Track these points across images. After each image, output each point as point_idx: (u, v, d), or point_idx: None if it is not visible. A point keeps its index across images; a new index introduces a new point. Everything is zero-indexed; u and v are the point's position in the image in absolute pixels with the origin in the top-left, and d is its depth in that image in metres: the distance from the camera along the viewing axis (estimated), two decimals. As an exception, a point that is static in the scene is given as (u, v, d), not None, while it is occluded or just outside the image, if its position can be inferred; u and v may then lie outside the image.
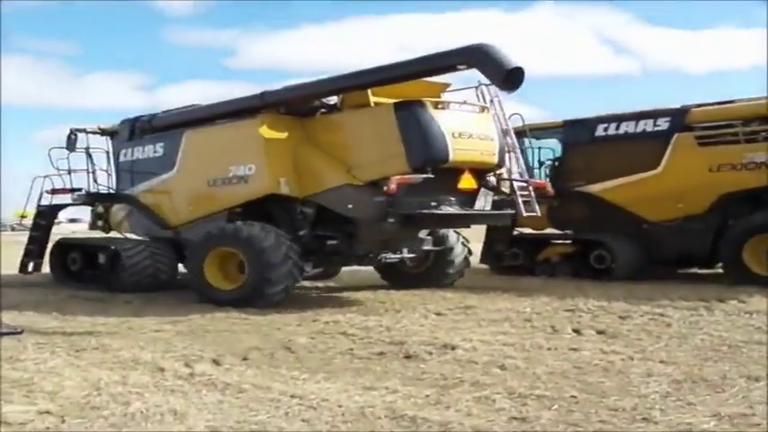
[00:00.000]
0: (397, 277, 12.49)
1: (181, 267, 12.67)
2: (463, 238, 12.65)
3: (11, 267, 14.05)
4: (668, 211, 13.03)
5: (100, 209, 14.15)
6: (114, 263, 12.40)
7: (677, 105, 13.59)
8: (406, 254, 11.54)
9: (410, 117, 9.75)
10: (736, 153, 12.67)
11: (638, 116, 13.74)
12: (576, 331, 8.25)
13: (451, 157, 9.80)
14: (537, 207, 10.64)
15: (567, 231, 14.86)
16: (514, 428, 4.71)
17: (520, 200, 10.44)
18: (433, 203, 9.89)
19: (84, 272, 13.49)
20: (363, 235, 10.73)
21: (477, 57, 9.08)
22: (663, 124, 13.42)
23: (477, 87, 10.64)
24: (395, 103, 9.99)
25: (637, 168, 13.19)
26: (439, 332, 8.12)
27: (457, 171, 10.07)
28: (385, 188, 9.49)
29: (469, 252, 12.96)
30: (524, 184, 10.74)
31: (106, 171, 13.77)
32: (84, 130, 13.46)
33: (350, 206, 10.08)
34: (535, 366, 6.44)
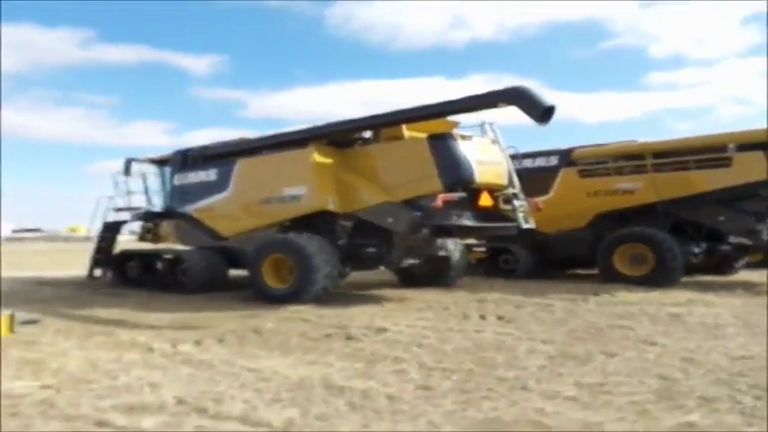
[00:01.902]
0: (409, 278, 12.06)
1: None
2: (462, 245, 12.16)
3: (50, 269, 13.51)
4: (558, 226, 13.01)
5: (149, 224, 13.60)
6: (173, 268, 11.85)
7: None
8: (418, 259, 11.16)
9: (443, 147, 9.46)
10: (608, 183, 12.78)
11: (535, 155, 13.77)
12: (482, 317, 8.07)
13: (477, 178, 9.50)
14: (532, 221, 10.22)
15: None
16: (420, 395, 4.52)
17: (520, 215, 10.03)
18: (455, 217, 9.54)
19: (142, 277, 12.55)
20: (397, 243, 10.33)
21: (517, 96, 8.75)
22: (554, 161, 13.49)
23: (481, 125, 10.25)
24: (429, 136, 9.68)
25: (534, 194, 13.15)
26: (376, 318, 7.88)
27: (476, 191, 9.72)
28: (433, 204, 9.18)
29: (466, 257, 12.43)
30: (523, 202, 10.24)
31: (156, 193, 13.42)
32: (136, 159, 13.10)
33: (390, 219, 9.64)
34: (445, 345, 6.26)
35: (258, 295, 10.01)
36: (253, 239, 10.81)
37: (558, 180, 13.20)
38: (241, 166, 11.26)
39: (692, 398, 4.35)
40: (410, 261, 10.99)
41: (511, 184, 10.21)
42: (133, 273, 12.81)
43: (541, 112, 8.59)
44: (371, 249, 10.36)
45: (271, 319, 7.94)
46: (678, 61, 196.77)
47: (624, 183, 12.64)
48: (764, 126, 11.51)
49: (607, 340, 6.45)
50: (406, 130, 10.20)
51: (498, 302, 9.38)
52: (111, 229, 13.59)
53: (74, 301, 10.26)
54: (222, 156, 11.78)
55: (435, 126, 10.00)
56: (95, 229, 13.92)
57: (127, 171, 12.85)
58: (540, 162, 13.66)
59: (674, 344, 6.16)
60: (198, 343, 6.52)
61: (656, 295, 9.87)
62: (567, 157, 13.34)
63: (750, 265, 14.03)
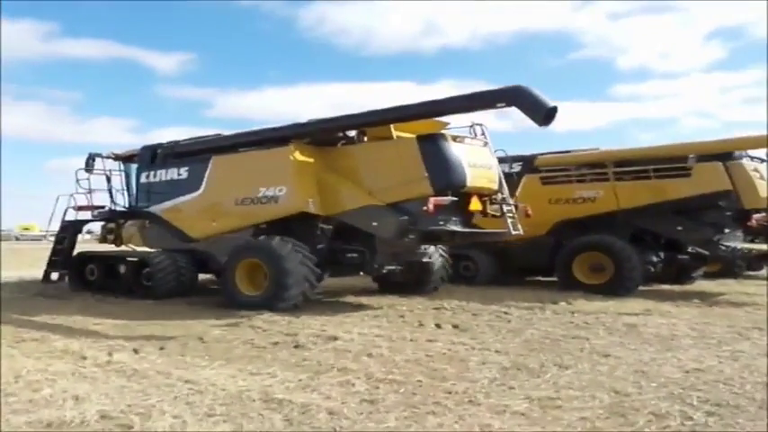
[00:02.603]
0: (388, 285, 11.47)
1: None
2: (442, 251, 11.59)
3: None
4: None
5: (110, 225, 12.79)
6: (138, 272, 11.13)
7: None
8: (399, 265, 10.67)
9: (434, 148, 9.00)
10: (570, 190, 12.78)
11: (499, 161, 13.64)
12: (438, 325, 7.89)
13: (468, 182, 9.08)
14: (520, 226, 9.78)
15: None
16: (363, 409, 4.31)
17: (509, 220, 9.61)
18: (441, 223, 9.11)
19: (104, 282, 11.75)
20: (381, 249, 9.85)
21: (519, 97, 8.22)
22: (517, 167, 13.42)
23: (471, 126, 9.77)
24: (418, 136, 9.22)
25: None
26: (328, 326, 7.67)
27: (466, 195, 9.30)
28: (424, 208, 8.64)
29: (449, 263, 11.83)
30: (512, 207, 9.88)
31: (120, 191, 12.50)
32: (100, 155, 12.22)
33: (374, 224, 9.14)
34: (396, 355, 6.07)
35: (229, 302, 9.43)
36: (223, 242, 10.32)
37: (520, 187, 13.12)
38: (215, 163, 10.60)
39: (642, 414, 4.22)
40: (390, 267, 10.56)
41: (500, 188, 9.88)
42: (93, 277, 12.01)
43: (544, 114, 8.11)
44: (353, 255, 9.91)
45: (218, 326, 7.66)
46: (644, 74, 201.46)
47: (585, 191, 12.66)
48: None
49: (562, 351, 6.32)
50: (394, 130, 9.74)
51: (455, 310, 9.24)
52: (71, 230, 12.61)
53: (12, 303, 9.79)
54: (194, 153, 11.12)
55: (423, 127, 9.58)
56: (53, 229, 13.10)
57: (89, 167, 11.97)
58: (503, 168, 13.55)
59: (628, 356, 6.07)
60: (136, 351, 6.21)
61: (613, 304, 9.84)
62: (529, 164, 13.29)
63: (707, 275, 14.21)
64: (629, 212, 12.09)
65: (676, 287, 13.04)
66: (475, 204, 9.53)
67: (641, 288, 11.83)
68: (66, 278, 12.21)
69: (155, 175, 11.48)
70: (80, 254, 12.46)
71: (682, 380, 5.13)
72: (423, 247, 10.85)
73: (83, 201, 12.45)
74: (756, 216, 11.53)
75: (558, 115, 8.24)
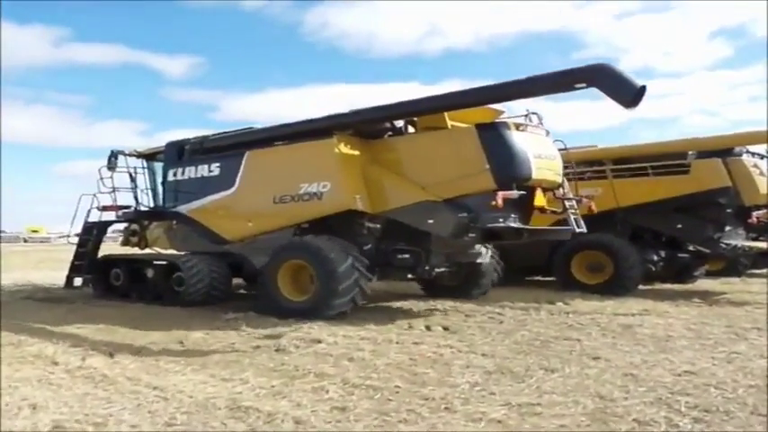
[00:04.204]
0: (434, 289, 10.56)
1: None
2: (493, 252, 10.52)
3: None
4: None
5: (134, 226, 11.77)
6: (167, 277, 10.21)
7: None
8: (448, 267, 9.68)
9: (496, 137, 8.10)
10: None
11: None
12: (427, 327, 7.64)
13: (534, 175, 8.18)
14: (583, 223, 8.98)
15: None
16: (332, 417, 4.09)
17: (571, 217, 8.82)
18: (501, 220, 8.23)
19: (130, 287, 10.89)
20: (435, 249, 9.01)
21: (602, 76, 7.18)
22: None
23: (526, 115, 8.74)
24: (477, 125, 8.30)
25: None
26: (315, 328, 7.37)
27: (530, 189, 8.40)
28: (493, 203, 7.77)
29: (500, 266, 10.76)
30: (574, 203, 9.03)
31: (143, 190, 11.62)
32: (122, 153, 11.29)
33: (430, 221, 8.28)
34: (378, 358, 5.84)
35: (273, 309, 8.54)
36: (260, 244, 9.47)
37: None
38: (250, 159, 9.64)
39: (626, 421, 3.98)
40: (441, 269, 9.54)
41: (562, 182, 9.09)
42: (119, 282, 11.08)
43: (633, 96, 7.01)
44: (404, 256, 8.94)
45: (202, 329, 7.46)
46: (647, 73, 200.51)
47: (584, 189, 12.36)
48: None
49: (550, 354, 6.07)
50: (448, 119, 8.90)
51: (448, 311, 9.00)
52: (95, 231, 11.60)
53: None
54: (227, 148, 10.17)
55: (475, 116, 8.69)
56: (75, 230, 11.88)
57: (111, 165, 10.99)
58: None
59: (618, 358, 5.82)
60: (112, 355, 6.02)
61: (611, 304, 9.58)
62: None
63: (710, 274, 13.89)
64: (628, 210, 11.80)
65: (678, 286, 12.73)
66: (539, 199, 8.63)
67: (642, 287, 11.57)
68: (91, 284, 11.35)
69: (182, 173, 10.54)
70: (104, 257, 11.58)
71: (671, 383, 4.88)
72: (476, 246, 9.83)
73: (107, 201, 11.53)
74: (757, 213, 11.25)
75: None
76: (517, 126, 8.42)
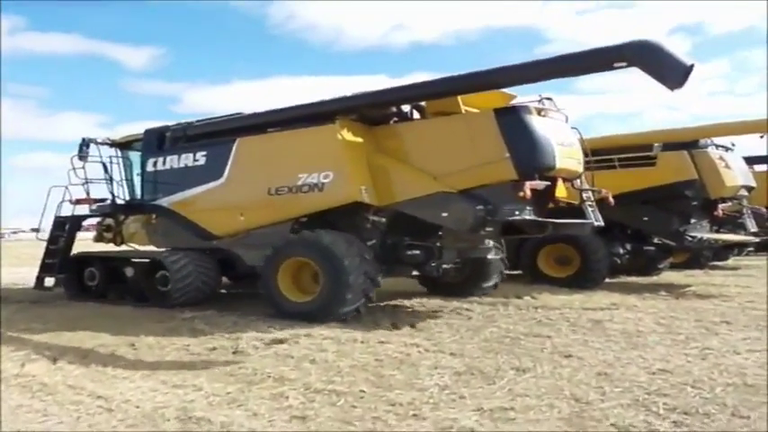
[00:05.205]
0: (434, 286, 9.91)
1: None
2: (497, 244, 9.75)
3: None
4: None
5: (108, 221, 10.88)
6: (149, 276, 9.41)
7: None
8: (454, 263, 9.04)
9: (517, 123, 7.42)
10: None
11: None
12: (394, 325, 7.33)
13: (558, 164, 7.53)
14: (600, 216, 8.38)
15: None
16: (291, 428, 3.78)
17: (589, 209, 8.23)
18: (517, 213, 7.58)
19: (107, 287, 10.04)
20: (448, 244, 8.44)
21: (646, 54, 6.37)
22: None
23: (539, 100, 8.01)
24: (496, 110, 7.61)
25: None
26: (276, 327, 6.97)
27: (552, 179, 7.72)
28: (521, 194, 7.15)
29: (504, 264, 10.16)
30: (591, 194, 8.44)
31: (118, 182, 10.61)
32: (94, 141, 10.35)
33: (444, 214, 7.61)
34: (342, 359, 5.53)
35: (274, 310, 7.96)
36: (254, 239, 8.78)
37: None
38: (241, 146, 8.90)
39: (604, 425, 3.77)
40: (447, 266, 8.91)
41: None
42: (94, 282, 10.16)
43: (681, 75, 6.27)
44: (415, 252, 8.35)
45: (155, 330, 7.03)
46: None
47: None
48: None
49: (521, 352, 5.84)
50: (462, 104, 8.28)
51: (415, 308, 8.73)
52: (68, 226, 10.61)
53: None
54: (214, 135, 9.37)
55: (487, 100, 8.04)
56: (45, 226, 10.90)
57: (83, 154, 10.11)
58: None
59: (591, 356, 5.62)
60: (55, 361, 5.58)
61: (579, 298, 9.44)
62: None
63: (674, 266, 13.94)
64: (596, 203, 11.68)
65: (643, 279, 12.71)
66: (561, 190, 8.00)
67: (607, 280, 11.48)
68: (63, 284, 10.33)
69: (163, 163, 9.70)
70: (78, 255, 10.63)
71: (647, 383, 4.69)
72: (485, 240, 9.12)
73: (79, 193, 10.60)
74: (722, 205, 11.25)
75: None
76: (539, 111, 7.74)
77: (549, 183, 7.62)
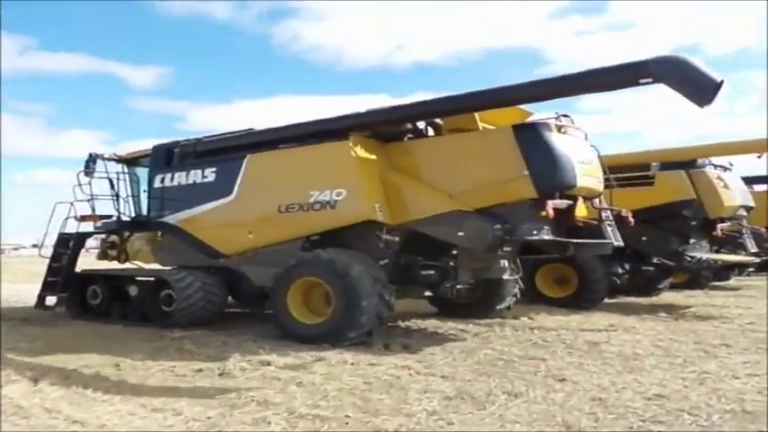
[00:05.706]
0: (446, 307, 9.66)
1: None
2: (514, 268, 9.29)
3: None
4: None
5: (113, 238, 10.67)
6: (154, 295, 9.13)
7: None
8: (468, 284, 8.67)
9: (537, 140, 7.21)
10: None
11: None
12: (386, 346, 7.19)
13: (579, 182, 7.32)
14: (619, 236, 8.18)
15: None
16: (270, 456, 3.62)
17: (608, 229, 8.03)
18: (535, 231, 7.32)
19: (110, 306, 9.68)
20: (463, 264, 8.13)
21: (674, 70, 6.11)
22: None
23: (556, 117, 7.79)
24: (514, 126, 7.41)
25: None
26: (266, 347, 6.84)
27: (572, 198, 7.54)
28: (543, 213, 6.95)
29: (519, 285, 9.78)
30: (609, 213, 8.22)
31: (125, 198, 10.33)
32: (101, 156, 10.13)
33: (460, 234, 7.36)
34: (329, 382, 5.37)
35: (283, 333, 7.64)
36: (263, 258, 8.54)
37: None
38: (251, 163, 8.70)
39: (596, 456, 3.61)
40: (460, 287, 8.51)
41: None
42: (97, 300, 9.87)
43: (711, 92, 5.97)
44: (429, 272, 8.10)
45: (142, 349, 6.89)
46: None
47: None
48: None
49: (514, 375, 5.69)
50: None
51: (410, 329, 8.58)
52: (71, 244, 10.25)
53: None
54: (223, 151, 9.20)
55: (503, 117, 7.87)
56: (48, 243, 10.53)
57: (89, 170, 9.86)
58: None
59: (585, 380, 5.46)
60: (36, 382, 5.43)
61: (576, 319, 9.30)
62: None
63: (674, 287, 13.77)
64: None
65: (642, 299, 12.55)
66: (581, 209, 7.82)
67: (606, 300, 11.33)
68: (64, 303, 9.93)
69: (171, 179, 9.51)
70: (82, 272, 10.29)
71: (642, 409, 4.53)
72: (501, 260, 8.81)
73: (84, 209, 10.32)
74: (721, 225, 11.12)
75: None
76: (558, 128, 7.56)
77: (570, 201, 7.43)
